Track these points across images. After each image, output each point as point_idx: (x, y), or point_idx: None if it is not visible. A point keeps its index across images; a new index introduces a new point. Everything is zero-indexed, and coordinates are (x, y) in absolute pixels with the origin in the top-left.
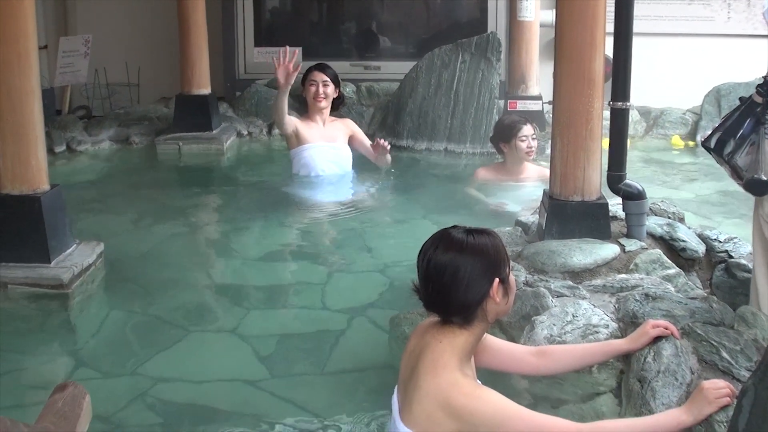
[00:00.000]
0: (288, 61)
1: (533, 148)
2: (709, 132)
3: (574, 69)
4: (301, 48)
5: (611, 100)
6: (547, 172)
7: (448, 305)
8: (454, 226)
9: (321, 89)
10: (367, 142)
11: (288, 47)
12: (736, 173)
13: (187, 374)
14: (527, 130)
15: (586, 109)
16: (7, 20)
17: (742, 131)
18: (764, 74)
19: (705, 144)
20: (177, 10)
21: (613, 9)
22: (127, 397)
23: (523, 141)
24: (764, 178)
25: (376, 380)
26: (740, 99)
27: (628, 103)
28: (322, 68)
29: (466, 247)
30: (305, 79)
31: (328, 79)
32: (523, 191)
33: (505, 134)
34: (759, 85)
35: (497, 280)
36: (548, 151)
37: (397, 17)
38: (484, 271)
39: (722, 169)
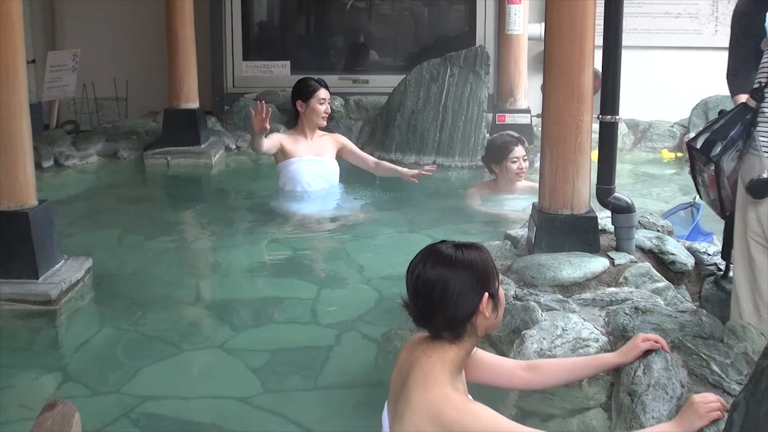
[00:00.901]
0: (263, 113)
1: (524, 170)
2: (693, 134)
3: (563, 82)
4: (289, 62)
5: (600, 114)
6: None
7: (438, 320)
8: (443, 241)
9: (328, 108)
10: (361, 152)
11: (263, 101)
12: (717, 177)
13: (176, 391)
14: (518, 151)
15: (575, 122)
16: None
17: (731, 134)
18: (757, 78)
19: (690, 143)
20: (165, 24)
21: (601, 22)
22: (114, 414)
23: (514, 162)
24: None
25: (367, 396)
26: (720, 113)
27: (617, 117)
28: (326, 85)
29: (455, 262)
30: (310, 95)
31: (331, 98)
32: (513, 204)
33: (496, 155)
34: (753, 90)
35: (486, 294)
36: (537, 164)
37: (386, 31)
38: (473, 285)
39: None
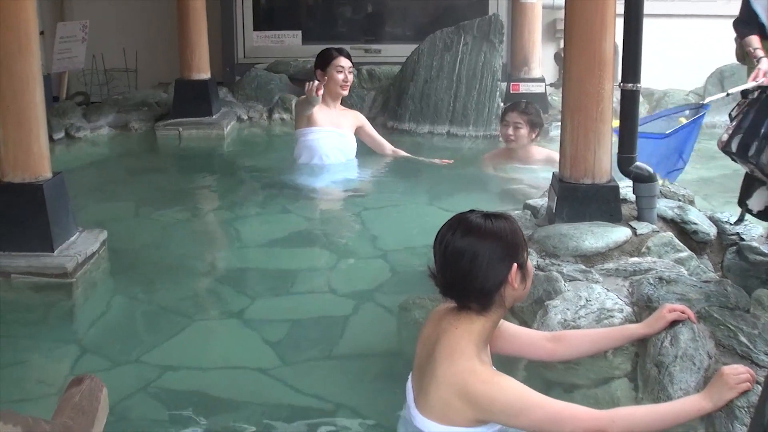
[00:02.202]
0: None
1: (512, 136)
2: (726, 137)
3: (584, 50)
4: (300, 32)
5: (621, 82)
6: (555, 155)
7: (466, 291)
8: (471, 211)
9: (348, 76)
10: (378, 137)
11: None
12: (763, 173)
13: (193, 362)
14: (510, 116)
15: (596, 90)
16: (8, 5)
17: (763, 130)
18: None
19: (725, 149)
20: None
21: None
22: (133, 386)
23: (504, 126)
24: None
25: (385, 366)
26: (742, 93)
27: (638, 85)
28: (347, 55)
29: (484, 232)
30: (327, 63)
31: (352, 66)
32: (529, 174)
33: (499, 118)
34: None
35: (515, 265)
36: (552, 133)
37: (398, 0)
38: (502, 256)
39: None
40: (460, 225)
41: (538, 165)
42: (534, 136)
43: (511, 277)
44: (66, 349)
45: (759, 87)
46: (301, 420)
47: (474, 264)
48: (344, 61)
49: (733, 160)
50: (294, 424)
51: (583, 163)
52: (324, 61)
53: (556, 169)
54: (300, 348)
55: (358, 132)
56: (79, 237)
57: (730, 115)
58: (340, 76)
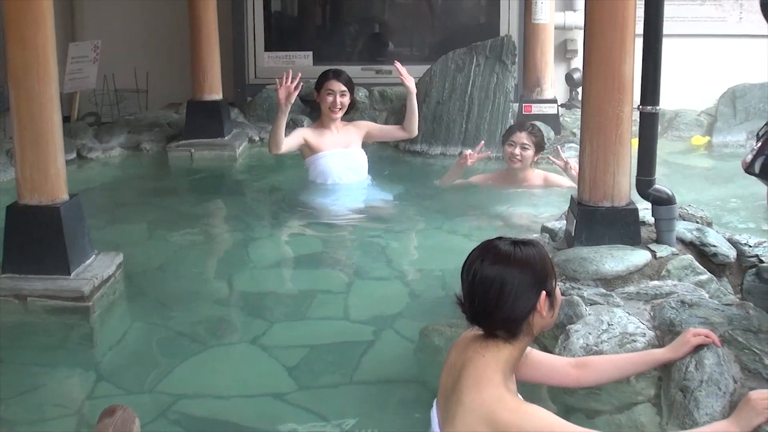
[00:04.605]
0: (290, 82)
1: (518, 157)
2: (750, 158)
3: (604, 72)
4: (311, 52)
5: (640, 104)
6: (553, 177)
7: (494, 319)
8: (500, 238)
9: (338, 100)
10: (385, 127)
11: (291, 71)
12: None
13: (211, 389)
14: (518, 137)
15: (615, 113)
16: (28, 26)
17: None
18: None
19: (749, 170)
20: (189, 15)
21: (641, 11)
22: (151, 413)
23: (510, 146)
24: None
25: (405, 393)
26: None
27: (657, 107)
28: (338, 75)
29: (514, 260)
30: (321, 86)
31: (345, 89)
32: (532, 197)
33: (504, 137)
34: None
35: (544, 293)
36: (565, 155)
37: (408, 20)
38: (531, 284)
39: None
40: (489, 252)
41: (537, 188)
42: (537, 159)
43: (540, 306)
44: (83, 374)
45: None
46: None
47: (503, 292)
48: (335, 84)
49: (759, 179)
50: None
51: (602, 186)
52: (318, 83)
53: (555, 191)
54: (318, 374)
55: (369, 138)
56: (96, 260)
57: (757, 134)
58: (329, 99)
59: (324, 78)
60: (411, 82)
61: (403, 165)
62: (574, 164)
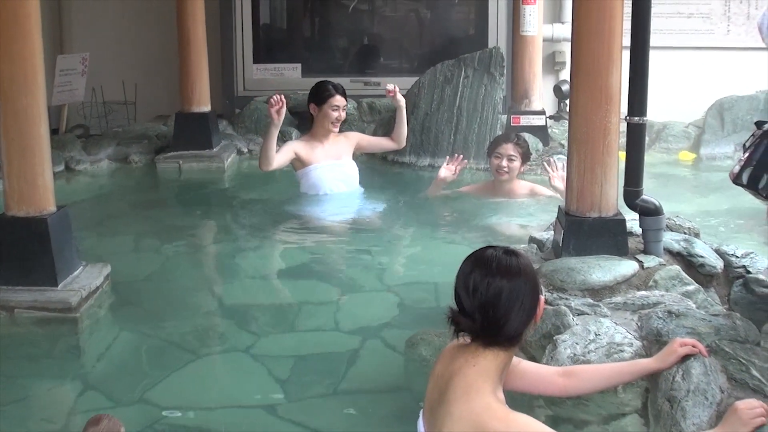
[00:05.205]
0: (278, 102)
1: (505, 169)
2: (737, 168)
3: (591, 83)
4: (300, 64)
5: (628, 115)
6: (538, 188)
7: (503, 330)
8: (489, 247)
9: (342, 114)
10: (375, 138)
11: (281, 95)
12: None
13: (199, 400)
14: (504, 148)
15: (603, 124)
16: (15, 39)
17: None
18: None
19: (736, 181)
20: (177, 28)
21: (628, 23)
22: (139, 423)
23: (497, 158)
24: None
25: (394, 402)
26: (756, 124)
27: (645, 118)
28: (343, 92)
29: (515, 271)
30: (324, 101)
31: (346, 103)
32: (519, 208)
33: (490, 148)
34: None
35: (542, 299)
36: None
37: (398, 33)
38: (533, 292)
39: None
40: (489, 264)
41: (522, 198)
42: (523, 169)
43: (539, 311)
44: (70, 385)
45: None
46: None
47: (515, 303)
48: (340, 100)
49: (745, 190)
50: None
51: (590, 196)
52: (319, 98)
53: (540, 202)
54: (306, 385)
55: (359, 148)
56: (83, 271)
57: (744, 145)
58: (335, 114)
59: (327, 93)
60: (402, 100)
61: (392, 176)
62: (560, 176)
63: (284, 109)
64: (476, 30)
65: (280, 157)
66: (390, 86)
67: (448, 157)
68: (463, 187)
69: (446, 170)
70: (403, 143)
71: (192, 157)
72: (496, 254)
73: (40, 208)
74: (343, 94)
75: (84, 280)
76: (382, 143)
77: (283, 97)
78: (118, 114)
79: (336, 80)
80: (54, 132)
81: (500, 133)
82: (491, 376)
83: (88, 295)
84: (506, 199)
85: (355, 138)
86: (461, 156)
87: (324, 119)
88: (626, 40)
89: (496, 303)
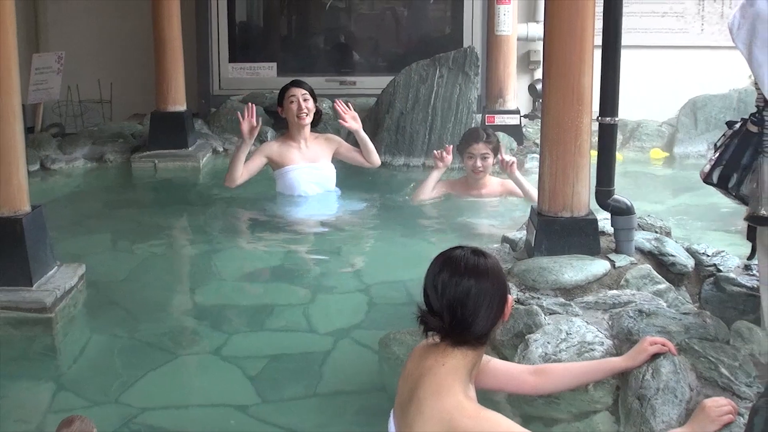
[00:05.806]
0: (251, 116)
1: (481, 168)
2: (708, 168)
3: (563, 84)
4: (276, 63)
5: (599, 115)
6: (510, 184)
7: (471, 329)
8: (458, 247)
9: (303, 104)
10: (354, 151)
11: (252, 104)
12: (743, 203)
13: (173, 400)
14: (476, 148)
15: (574, 124)
16: None
17: (743, 162)
18: (755, 102)
19: (707, 181)
20: (153, 27)
21: (599, 23)
22: (113, 424)
23: (470, 159)
24: (765, 214)
25: (366, 402)
26: (727, 123)
27: (616, 118)
28: (299, 84)
29: (483, 271)
30: (282, 97)
31: (306, 92)
32: (490, 207)
33: (460, 147)
34: (752, 114)
35: (510, 298)
36: (527, 165)
37: (372, 32)
38: (501, 292)
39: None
40: (457, 264)
41: (496, 196)
42: (495, 162)
43: (507, 310)
44: (45, 385)
45: (742, 118)
46: None
47: (482, 303)
48: (294, 90)
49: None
50: None
51: (562, 196)
52: (280, 98)
53: (514, 198)
54: (279, 385)
55: (337, 154)
56: (58, 271)
57: (715, 144)
58: (293, 106)
59: (283, 91)
60: (353, 123)
61: (368, 176)
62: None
63: (257, 129)
64: (452, 29)
65: (250, 167)
66: (339, 107)
67: (425, 160)
68: (437, 184)
69: (438, 171)
70: (377, 162)
71: (167, 156)
72: (464, 254)
73: (15, 208)
74: (299, 86)
75: (59, 280)
76: (358, 158)
77: (254, 110)
78: (93, 113)
79: (311, 79)
80: (29, 131)
81: None
82: (461, 375)
83: (63, 295)
84: (479, 194)
85: (336, 143)
86: (450, 147)
87: (289, 115)
88: (598, 40)
89: (464, 302)
